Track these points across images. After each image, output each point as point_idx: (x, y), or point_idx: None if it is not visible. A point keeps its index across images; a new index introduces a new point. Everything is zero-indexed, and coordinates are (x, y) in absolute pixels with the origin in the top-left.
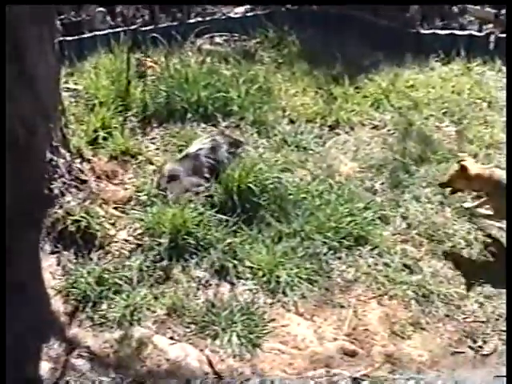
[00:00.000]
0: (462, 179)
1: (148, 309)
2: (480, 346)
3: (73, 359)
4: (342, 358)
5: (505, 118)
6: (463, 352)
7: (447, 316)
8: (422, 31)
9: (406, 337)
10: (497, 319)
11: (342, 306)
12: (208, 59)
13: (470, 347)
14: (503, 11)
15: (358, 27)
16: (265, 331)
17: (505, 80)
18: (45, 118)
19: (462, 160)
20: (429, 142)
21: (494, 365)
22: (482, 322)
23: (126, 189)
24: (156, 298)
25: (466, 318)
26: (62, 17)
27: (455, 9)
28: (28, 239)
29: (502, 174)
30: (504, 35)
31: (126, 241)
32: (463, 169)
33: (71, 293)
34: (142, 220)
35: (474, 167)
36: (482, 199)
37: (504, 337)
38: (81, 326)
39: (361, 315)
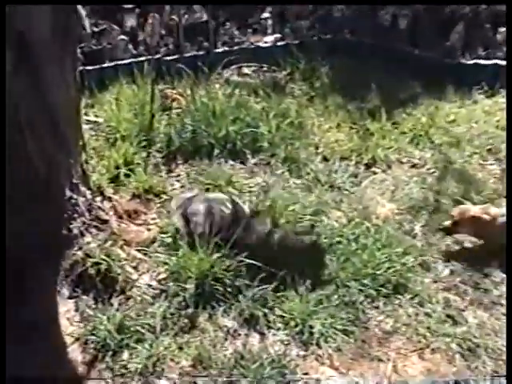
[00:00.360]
0: (464, 224)
1: (172, 359)
2: None
3: None
4: None
5: None
6: None
7: (495, 372)
8: (464, 61)
9: None
10: None
11: (381, 360)
12: (236, 91)
13: None
14: None
15: (395, 57)
16: None
17: None
18: (65, 152)
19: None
20: (472, 181)
21: None
22: None
23: (150, 229)
24: (181, 348)
25: None
26: (83, 45)
27: (499, 37)
28: (45, 282)
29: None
30: None
31: (149, 286)
32: (464, 215)
33: (90, 341)
34: (166, 264)
35: (475, 212)
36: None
37: None
38: (100, 376)
39: (401, 370)
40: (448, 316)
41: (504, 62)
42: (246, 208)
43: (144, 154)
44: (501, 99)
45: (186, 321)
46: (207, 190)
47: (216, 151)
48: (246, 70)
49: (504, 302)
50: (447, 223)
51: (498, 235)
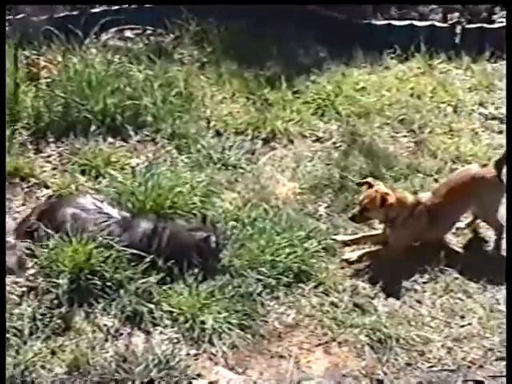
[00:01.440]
0: (377, 207)
1: (43, 367)
2: None
3: None
4: None
5: (474, 126)
6: None
7: (408, 365)
8: (375, 22)
9: None
10: (469, 366)
11: (282, 356)
12: (116, 58)
13: None
14: None
15: (298, 19)
16: None
17: (474, 79)
18: None
19: (369, 184)
20: (382, 155)
21: None
22: (451, 370)
23: (15, 218)
24: (54, 353)
25: (432, 366)
26: None
27: None
28: None
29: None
30: (472, 26)
31: (16, 283)
32: (378, 196)
33: None
34: (35, 257)
35: (390, 192)
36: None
37: None
38: None
39: (304, 366)
40: (356, 305)
41: (419, 23)
42: (115, 213)
43: (8, 132)
44: (415, 64)
45: (59, 321)
46: (83, 172)
47: (93, 127)
48: (127, 33)
49: (418, 287)
50: (355, 211)
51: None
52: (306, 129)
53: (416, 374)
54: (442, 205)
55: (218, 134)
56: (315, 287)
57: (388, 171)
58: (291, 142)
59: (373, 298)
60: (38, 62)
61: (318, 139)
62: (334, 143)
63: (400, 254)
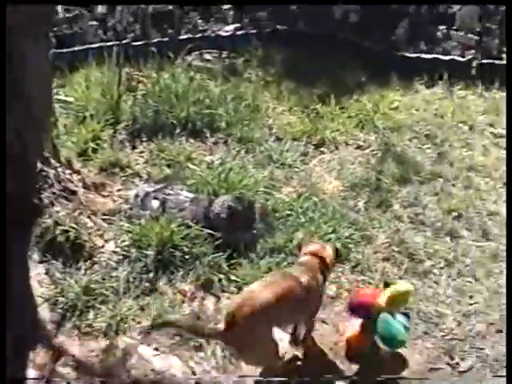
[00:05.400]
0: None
1: (133, 319)
2: (457, 363)
3: (59, 367)
4: None
5: (485, 142)
6: (441, 368)
7: (426, 333)
8: (408, 54)
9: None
10: (473, 337)
11: (324, 322)
12: (197, 76)
13: (447, 364)
14: (485, 38)
15: (345, 49)
16: None
17: (486, 104)
18: (37, 128)
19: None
20: (411, 163)
21: (471, 381)
22: (460, 339)
23: (115, 201)
24: (142, 309)
25: (445, 335)
26: (55, 29)
27: (439, 34)
28: (17, 247)
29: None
30: (486, 61)
31: (114, 252)
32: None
33: (58, 301)
34: (129, 232)
35: None
36: None
37: (480, 354)
38: (67, 334)
39: (342, 331)
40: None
41: (443, 57)
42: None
43: (110, 131)
44: (439, 89)
45: (146, 284)
46: (168, 165)
47: (177, 130)
48: (207, 56)
49: (436, 271)
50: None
51: None
52: (349, 138)
53: (432, 342)
54: None
55: (278, 139)
56: (353, 267)
57: (415, 176)
58: (337, 148)
59: (399, 278)
60: (136, 77)
61: (359, 147)
62: (372, 151)
63: None
